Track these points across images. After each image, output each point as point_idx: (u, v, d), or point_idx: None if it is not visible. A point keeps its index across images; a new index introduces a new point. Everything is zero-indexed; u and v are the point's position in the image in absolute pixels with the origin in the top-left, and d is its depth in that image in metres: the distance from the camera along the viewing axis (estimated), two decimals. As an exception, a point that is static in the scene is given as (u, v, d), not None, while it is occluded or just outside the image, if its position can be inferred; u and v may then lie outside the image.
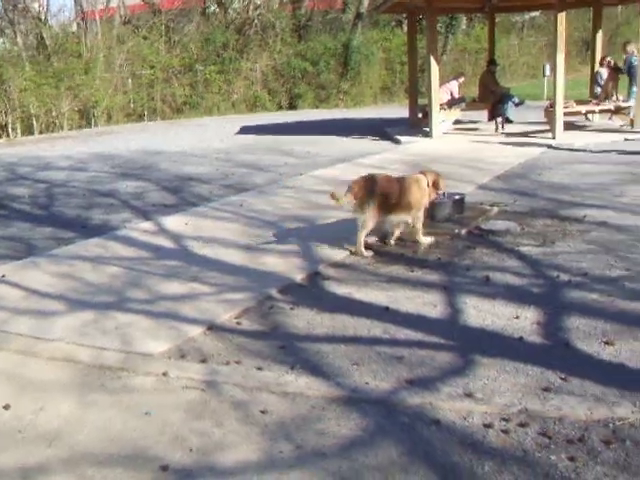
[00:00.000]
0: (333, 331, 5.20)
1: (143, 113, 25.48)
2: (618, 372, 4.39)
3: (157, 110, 25.63)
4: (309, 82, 28.50)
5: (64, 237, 8.33)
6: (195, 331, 5.28)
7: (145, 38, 26.92)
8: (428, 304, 5.66)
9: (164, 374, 4.58)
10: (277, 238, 7.76)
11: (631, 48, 16.08)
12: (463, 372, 4.46)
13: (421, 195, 7.34)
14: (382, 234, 7.60)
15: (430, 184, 7.41)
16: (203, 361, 4.78)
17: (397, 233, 7.56)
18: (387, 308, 5.59)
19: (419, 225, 7.38)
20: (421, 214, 7.38)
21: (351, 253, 7.16)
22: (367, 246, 7.19)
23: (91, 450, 3.76)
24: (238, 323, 5.45)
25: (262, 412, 4.08)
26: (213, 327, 5.36)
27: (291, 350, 4.89)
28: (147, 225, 8.65)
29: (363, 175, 7.39)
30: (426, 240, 7.40)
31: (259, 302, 5.84)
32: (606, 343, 4.79)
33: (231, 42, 27.89)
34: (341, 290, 6.07)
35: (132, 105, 25.44)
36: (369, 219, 7.08)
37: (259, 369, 4.60)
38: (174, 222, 8.66)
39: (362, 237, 7.13)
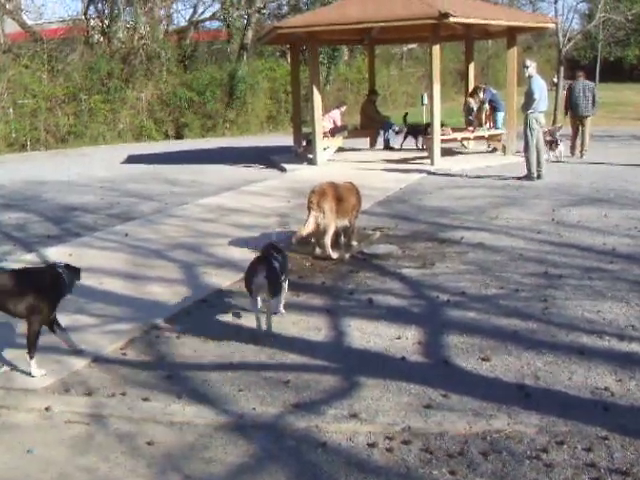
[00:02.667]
0: (220, 358, 5.15)
1: (26, 143, 24.65)
2: (494, 386, 4.53)
3: (41, 140, 24.85)
4: (195, 111, 28.34)
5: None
6: (80, 364, 5.11)
7: (26, 67, 26.10)
8: (313, 328, 5.69)
9: (47, 409, 4.41)
10: (163, 266, 7.64)
11: (481, 89, 16.94)
12: (348, 394, 4.49)
13: (361, 198, 8.46)
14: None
15: None
16: (88, 394, 4.62)
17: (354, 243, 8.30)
18: (273, 332, 5.58)
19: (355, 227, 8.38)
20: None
21: (314, 257, 7.77)
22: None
23: (-32, 493, 3.58)
24: (124, 354, 5.32)
25: (149, 444, 3.98)
26: (98, 359, 5.20)
27: (178, 379, 4.81)
28: (30, 257, 8.33)
29: (317, 186, 7.95)
30: (355, 243, 8.29)
31: (145, 332, 5.72)
32: (483, 359, 4.93)
33: (116, 71, 27.44)
34: (228, 317, 6.02)
35: (14, 135, 24.56)
36: (330, 222, 7.72)
37: (145, 400, 4.50)
38: (58, 253, 8.37)
39: (328, 240, 7.73)
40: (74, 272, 5.18)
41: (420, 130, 17.48)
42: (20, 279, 4.90)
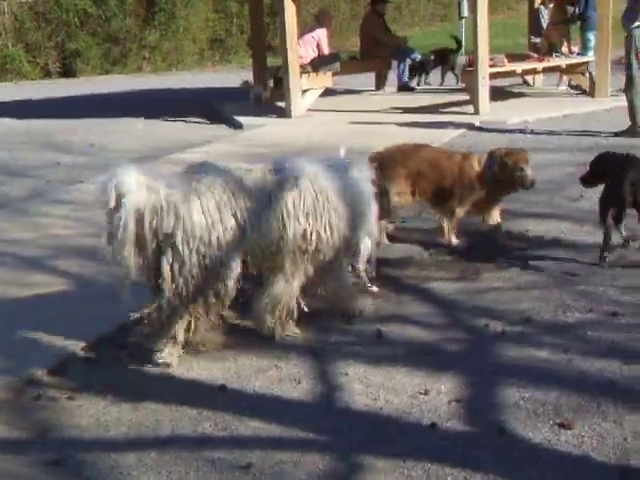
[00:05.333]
0: (138, 430, 5.16)
1: None
2: (581, 470, 4.52)
3: None
4: (93, 32, 28.31)
5: None
6: None
7: None
8: (288, 378, 5.70)
9: None
10: (44, 285, 7.63)
11: None
12: (345, 483, 4.51)
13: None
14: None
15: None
16: None
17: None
18: (224, 387, 5.60)
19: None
20: None
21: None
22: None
23: None
24: (-18, 426, 5.33)
25: None
26: (-60, 435, 5.22)
27: (71, 466, 4.80)
28: None
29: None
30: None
31: (17, 391, 5.71)
32: (561, 426, 4.94)
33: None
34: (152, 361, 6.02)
35: None
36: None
37: (18, 501, 4.51)
38: None
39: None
40: None
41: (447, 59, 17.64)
42: None
